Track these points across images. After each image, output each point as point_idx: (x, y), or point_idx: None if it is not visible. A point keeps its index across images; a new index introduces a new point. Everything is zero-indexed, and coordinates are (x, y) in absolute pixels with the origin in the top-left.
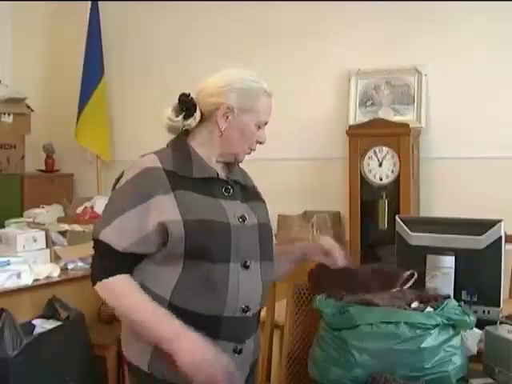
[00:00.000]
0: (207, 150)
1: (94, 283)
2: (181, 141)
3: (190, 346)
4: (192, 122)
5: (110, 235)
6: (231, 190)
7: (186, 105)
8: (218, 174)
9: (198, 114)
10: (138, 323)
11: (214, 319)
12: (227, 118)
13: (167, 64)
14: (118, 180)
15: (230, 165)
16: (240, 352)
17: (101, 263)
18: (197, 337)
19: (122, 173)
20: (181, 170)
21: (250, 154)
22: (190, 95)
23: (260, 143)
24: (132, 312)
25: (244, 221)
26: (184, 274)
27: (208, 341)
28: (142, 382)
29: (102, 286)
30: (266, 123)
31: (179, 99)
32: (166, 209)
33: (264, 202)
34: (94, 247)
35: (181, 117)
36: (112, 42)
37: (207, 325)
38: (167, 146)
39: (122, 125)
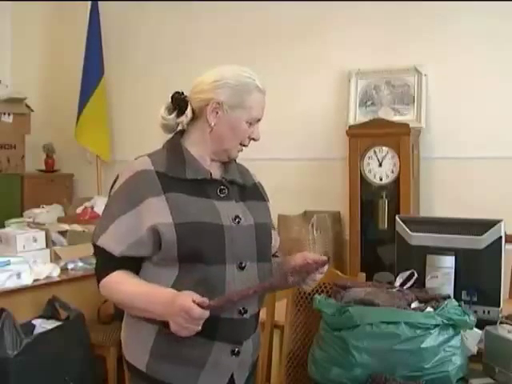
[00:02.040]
0: (200, 149)
1: (99, 287)
2: (175, 141)
3: (173, 322)
4: (183, 119)
5: (106, 240)
6: (226, 191)
7: (179, 103)
8: (211, 175)
9: (189, 111)
10: (135, 310)
11: (212, 321)
12: (217, 113)
13: (167, 64)
14: (113, 184)
15: (226, 164)
16: (238, 354)
17: (101, 267)
18: (176, 312)
19: (117, 177)
20: (173, 172)
21: (242, 150)
22: (183, 93)
23: (253, 140)
24: (127, 301)
25: (239, 221)
26: (181, 276)
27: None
28: (140, 382)
29: (101, 286)
30: (258, 120)
31: (172, 97)
32: (157, 211)
33: (266, 200)
34: (94, 252)
35: (173, 115)
36: (112, 42)
37: (204, 326)
38: (163, 147)
39: (121, 125)
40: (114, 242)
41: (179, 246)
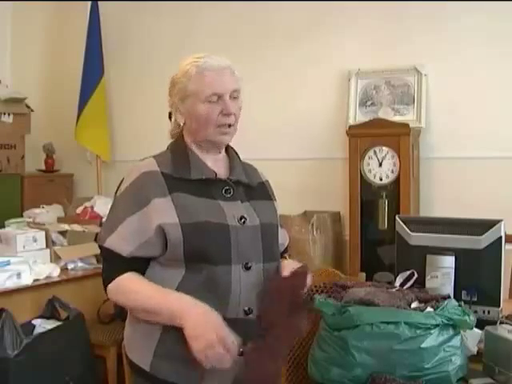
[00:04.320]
0: (197, 148)
1: (105, 289)
2: (179, 142)
3: (191, 324)
4: (170, 127)
5: (114, 242)
6: (231, 191)
7: (169, 115)
8: (216, 175)
9: (173, 119)
10: (146, 313)
11: None
12: (179, 111)
13: (167, 64)
14: (119, 187)
15: (232, 164)
16: (242, 354)
17: (109, 268)
18: (198, 314)
19: (123, 179)
20: (178, 173)
21: (228, 130)
22: None
23: (227, 115)
24: (139, 304)
25: (244, 222)
26: (187, 276)
27: (211, 314)
28: (143, 381)
29: (110, 289)
30: (218, 95)
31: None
32: (163, 211)
33: (272, 199)
34: (100, 254)
35: (171, 127)
36: (112, 42)
37: None
38: (167, 148)
39: (121, 125)
40: (123, 242)
41: (185, 246)
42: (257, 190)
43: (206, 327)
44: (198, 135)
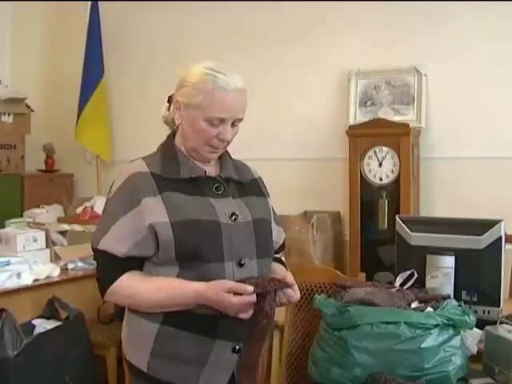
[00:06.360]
0: (185, 148)
1: (103, 293)
2: (168, 143)
3: (211, 303)
4: (165, 112)
5: (108, 243)
6: (222, 188)
7: (169, 99)
8: (205, 172)
9: (171, 109)
10: (160, 306)
11: (212, 319)
12: (179, 112)
13: (167, 64)
14: (110, 189)
15: (222, 161)
16: (239, 351)
17: (105, 271)
18: (211, 296)
19: (113, 182)
20: (168, 173)
21: (215, 152)
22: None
23: (221, 141)
24: (149, 301)
25: (235, 219)
26: (181, 275)
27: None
28: (141, 381)
29: (111, 293)
30: (222, 120)
31: (168, 97)
32: (154, 211)
33: (265, 196)
34: (94, 257)
35: (163, 109)
36: (112, 42)
37: (205, 324)
38: (157, 149)
39: (121, 125)
40: (117, 243)
41: (176, 245)
42: (248, 187)
43: (219, 302)
44: (188, 143)
